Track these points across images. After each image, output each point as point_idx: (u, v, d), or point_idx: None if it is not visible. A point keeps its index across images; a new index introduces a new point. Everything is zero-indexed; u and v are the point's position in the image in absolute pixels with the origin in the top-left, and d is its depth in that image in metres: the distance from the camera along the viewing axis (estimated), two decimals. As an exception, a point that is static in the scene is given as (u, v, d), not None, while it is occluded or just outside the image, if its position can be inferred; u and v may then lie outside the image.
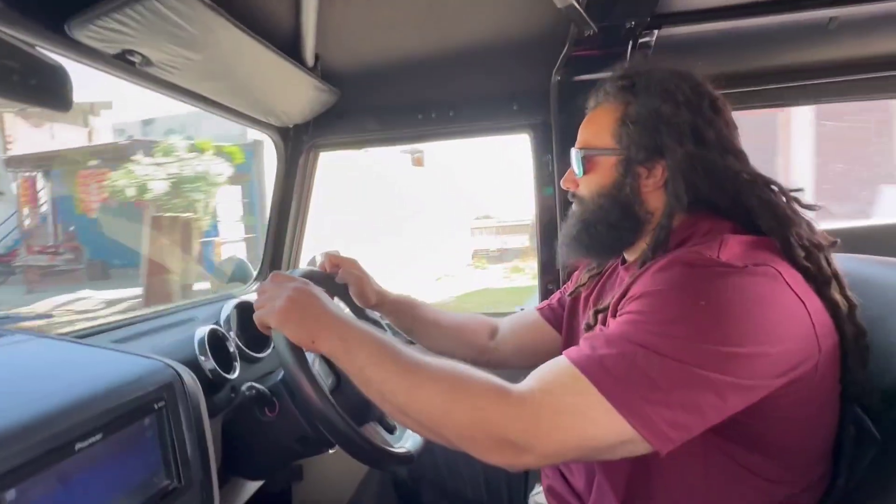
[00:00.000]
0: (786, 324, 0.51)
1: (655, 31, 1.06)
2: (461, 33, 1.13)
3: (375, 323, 0.96)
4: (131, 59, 0.81)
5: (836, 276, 0.59)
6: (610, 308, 0.63)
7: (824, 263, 0.59)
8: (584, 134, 0.75)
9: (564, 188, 0.77)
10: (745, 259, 0.54)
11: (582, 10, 1.00)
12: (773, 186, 0.65)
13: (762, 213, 0.62)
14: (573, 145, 0.77)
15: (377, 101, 1.34)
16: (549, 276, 1.27)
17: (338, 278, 0.91)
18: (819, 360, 0.53)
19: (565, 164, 1.20)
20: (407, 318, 0.96)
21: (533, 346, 0.97)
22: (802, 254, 0.58)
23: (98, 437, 0.51)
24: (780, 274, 0.54)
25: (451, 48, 1.18)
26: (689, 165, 0.63)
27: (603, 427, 0.50)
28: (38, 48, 0.69)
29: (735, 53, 1.11)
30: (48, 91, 0.68)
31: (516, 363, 0.99)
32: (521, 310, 1.09)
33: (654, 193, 0.68)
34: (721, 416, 0.50)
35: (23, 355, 0.63)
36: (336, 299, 0.87)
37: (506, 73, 1.24)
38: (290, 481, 1.34)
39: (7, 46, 0.64)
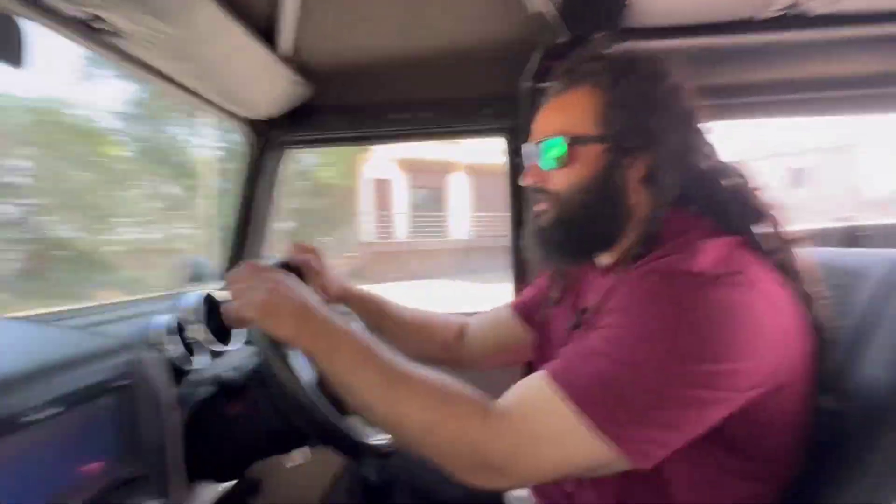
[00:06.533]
0: (760, 336, 0.50)
1: (623, 44, 1.13)
2: (437, 37, 1.16)
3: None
4: (97, 25, 0.76)
5: (798, 271, 0.60)
6: (589, 313, 0.62)
7: (791, 258, 0.60)
8: (555, 120, 0.65)
9: (527, 184, 0.68)
10: (719, 266, 0.53)
11: (553, 18, 1.06)
12: (743, 180, 0.64)
13: (735, 208, 0.62)
14: None
15: (350, 99, 1.33)
16: (523, 278, 1.28)
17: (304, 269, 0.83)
18: (796, 365, 0.53)
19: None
20: (373, 314, 0.93)
21: (507, 343, 0.95)
22: (772, 247, 0.59)
23: (49, 412, 0.44)
24: (754, 282, 0.53)
25: (427, 50, 1.20)
26: (680, 155, 0.62)
27: (582, 450, 0.50)
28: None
29: (698, 69, 1.20)
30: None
31: (487, 361, 0.97)
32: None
33: (635, 187, 0.63)
34: (701, 430, 0.50)
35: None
36: None
37: (479, 77, 1.28)
38: (246, 496, 1.24)
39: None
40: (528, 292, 0.96)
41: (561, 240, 0.66)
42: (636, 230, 0.64)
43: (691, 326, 0.49)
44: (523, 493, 0.85)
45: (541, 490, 0.77)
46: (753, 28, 1.07)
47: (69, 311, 0.82)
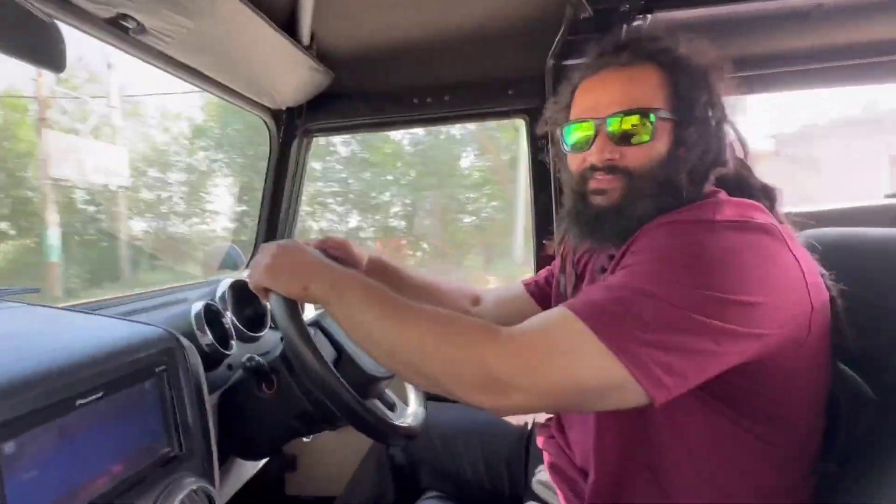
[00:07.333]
0: (781, 277, 0.52)
1: (648, 16, 1.08)
2: (457, 17, 1.14)
3: None
4: (125, 24, 0.78)
5: None
6: (610, 267, 0.62)
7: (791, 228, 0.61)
8: (630, 94, 0.63)
9: (601, 161, 0.64)
10: (741, 217, 0.55)
11: (573, -4, 1.02)
12: (745, 157, 0.68)
13: (752, 182, 0.65)
14: None
15: (371, 85, 1.33)
16: (546, 261, 1.28)
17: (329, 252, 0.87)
18: (811, 316, 0.53)
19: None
20: (392, 281, 0.95)
21: (516, 319, 0.94)
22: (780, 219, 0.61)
23: (99, 395, 0.48)
24: (777, 231, 0.54)
25: (447, 32, 1.18)
26: (721, 130, 0.64)
27: (595, 367, 0.49)
28: (30, 6, 0.66)
29: (725, 39, 1.14)
30: (40, 49, 0.65)
31: None
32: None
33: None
34: (717, 367, 0.49)
35: (22, 319, 0.61)
36: None
37: (501, 57, 1.25)
38: (283, 471, 1.31)
39: (-3, 0, 0.62)
40: (542, 273, 0.97)
41: (636, 216, 0.63)
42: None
43: (711, 260, 0.50)
44: (545, 476, 0.86)
45: (556, 467, 0.79)
46: None
47: (113, 298, 0.88)
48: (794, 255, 0.54)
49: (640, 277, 0.52)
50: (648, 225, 0.59)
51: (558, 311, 0.54)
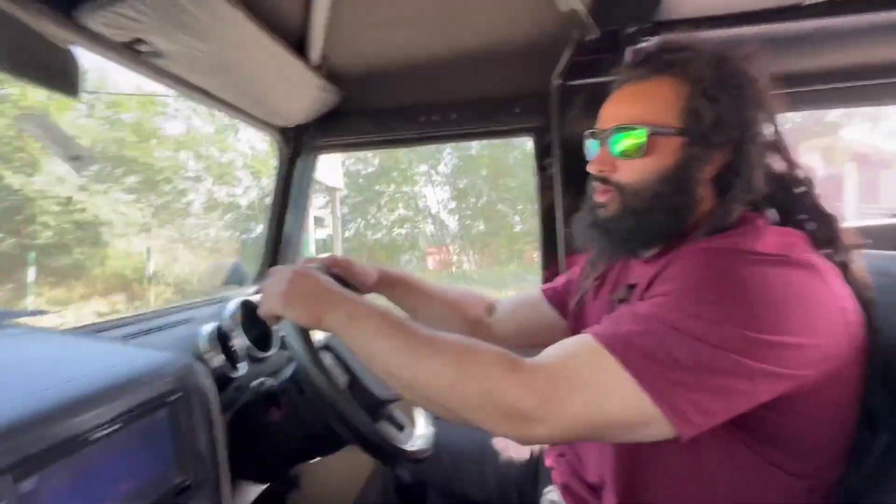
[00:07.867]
0: (820, 317, 0.49)
1: (655, 38, 1.09)
2: (465, 36, 1.15)
3: None
4: (139, 48, 0.79)
5: (854, 274, 0.58)
6: (637, 290, 0.61)
7: (849, 261, 0.58)
8: (633, 108, 0.62)
9: (597, 172, 0.66)
10: (782, 250, 0.52)
11: (583, 15, 1.03)
12: (809, 181, 0.63)
13: (801, 208, 0.62)
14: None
15: (379, 103, 1.34)
16: (551, 275, 1.28)
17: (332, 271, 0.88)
18: (849, 357, 0.51)
19: (566, 165, 1.24)
20: (404, 294, 0.95)
21: (534, 326, 0.94)
22: (833, 249, 0.58)
23: (114, 427, 0.48)
24: (816, 267, 0.52)
25: (455, 51, 1.19)
26: (759, 154, 0.60)
27: (623, 403, 0.47)
28: (46, 32, 0.67)
29: None
30: (55, 74, 0.66)
31: (514, 343, 0.96)
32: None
33: (705, 181, 0.62)
34: (748, 405, 0.48)
35: (30, 348, 0.60)
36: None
37: (508, 76, 1.26)
38: (287, 491, 1.29)
39: (15, 27, 0.62)
40: (560, 279, 0.95)
41: (626, 231, 0.63)
42: (697, 222, 0.62)
43: (748, 297, 0.48)
44: (554, 495, 0.85)
45: (569, 489, 0.78)
46: (801, 14, 1.01)
47: (116, 319, 0.87)
48: (834, 293, 0.51)
49: (674, 310, 0.50)
50: (686, 249, 0.58)
51: (583, 341, 0.52)
